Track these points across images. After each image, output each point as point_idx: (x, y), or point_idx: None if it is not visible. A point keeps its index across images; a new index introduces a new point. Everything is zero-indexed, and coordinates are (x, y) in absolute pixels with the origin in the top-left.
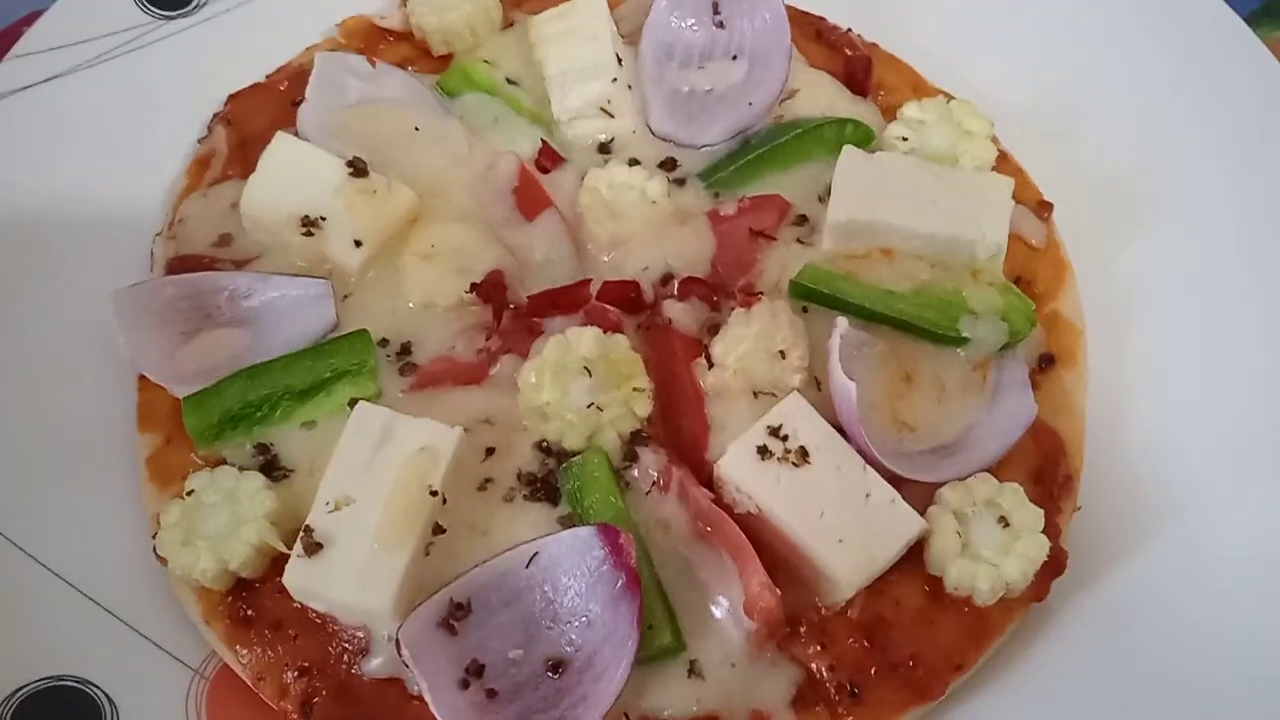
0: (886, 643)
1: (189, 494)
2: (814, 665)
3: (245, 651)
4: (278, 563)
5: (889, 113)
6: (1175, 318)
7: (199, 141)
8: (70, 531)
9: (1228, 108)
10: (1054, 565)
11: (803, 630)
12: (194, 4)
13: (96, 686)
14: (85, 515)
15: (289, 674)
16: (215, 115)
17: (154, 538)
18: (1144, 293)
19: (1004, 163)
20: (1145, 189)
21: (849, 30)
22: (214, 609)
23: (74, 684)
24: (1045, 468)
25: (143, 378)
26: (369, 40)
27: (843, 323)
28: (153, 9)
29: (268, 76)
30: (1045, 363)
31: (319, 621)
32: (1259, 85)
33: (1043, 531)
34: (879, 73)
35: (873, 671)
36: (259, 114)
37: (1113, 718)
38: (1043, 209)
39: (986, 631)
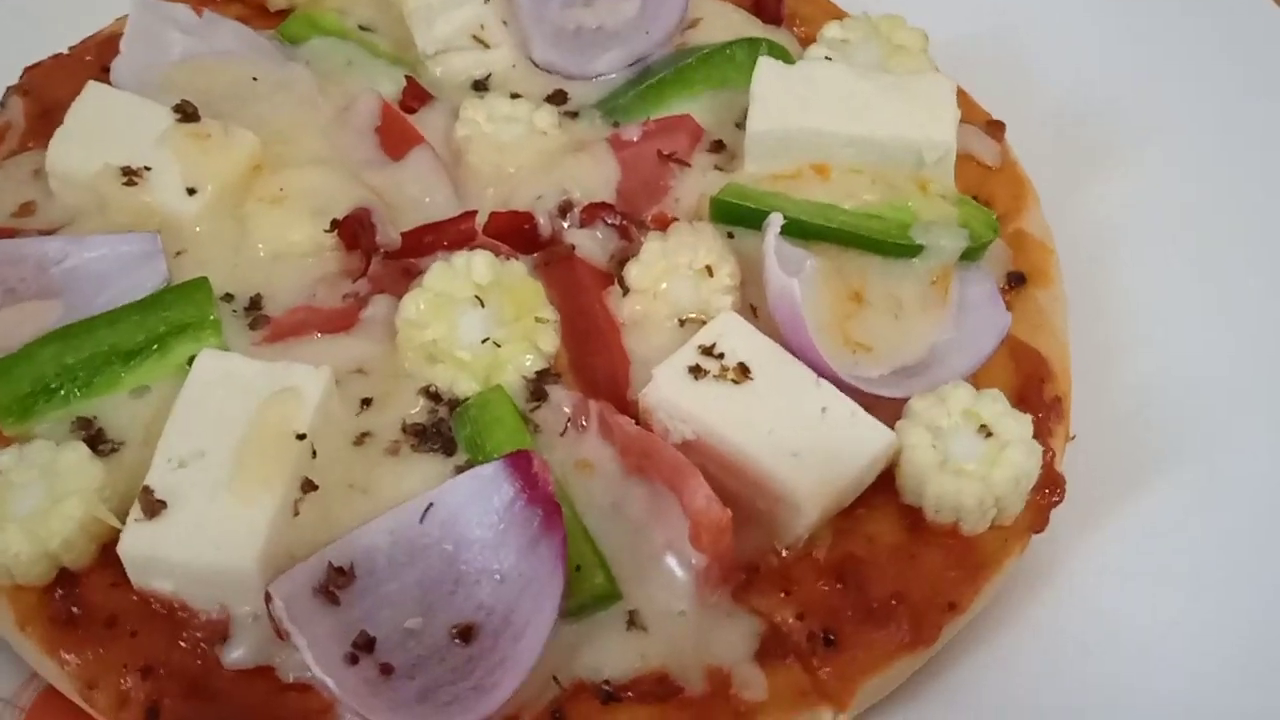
0: (862, 582)
1: None
2: (778, 615)
3: (71, 657)
4: (108, 550)
5: (807, 41)
6: (1153, 246)
7: None
8: None
9: (1190, 30)
10: (1051, 490)
11: (760, 577)
12: None
13: None
14: None
15: (128, 678)
16: (7, 89)
17: None
18: (1116, 222)
19: None
20: (1108, 113)
21: None
22: (30, 611)
23: None
24: (1028, 388)
25: None
26: (194, 2)
27: (776, 218)
28: None
29: (70, 49)
30: (1015, 281)
31: (164, 611)
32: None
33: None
34: (792, 5)
35: (849, 614)
36: (62, 84)
37: (1129, 672)
38: (994, 128)
39: (980, 565)
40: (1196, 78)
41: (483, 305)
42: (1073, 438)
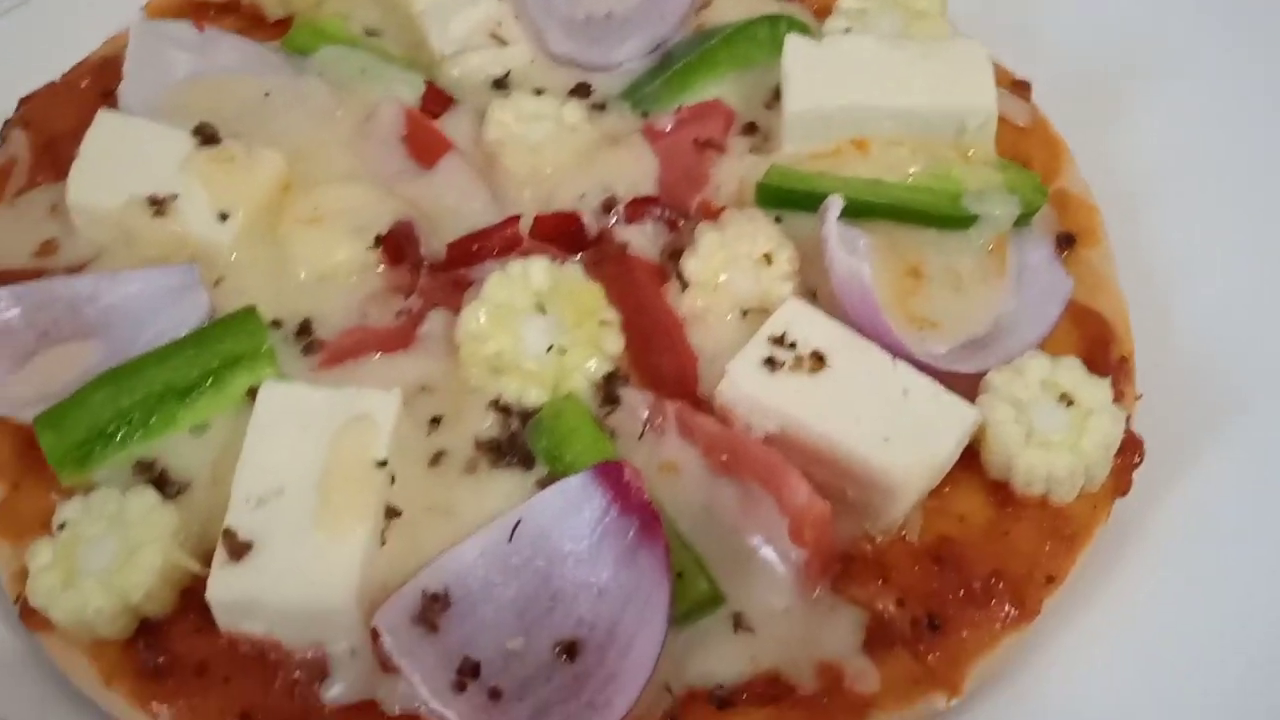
0: (959, 563)
1: (61, 528)
2: (879, 604)
3: (164, 708)
4: (189, 595)
5: (821, 14)
6: (1188, 193)
7: None
8: None
9: None
10: (1132, 452)
11: (856, 566)
12: None
13: None
14: None
15: None
16: (5, 122)
17: (16, 601)
18: (1146, 172)
19: None
20: (1128, 64)
21: None
22: (115, 667)
23: None
24: (1094, 352)
25: None
26: (184, 17)
27: (835, 201)
28: None
29: (63, 76)
30: (1065, 243)
31: (255, 654)
32: None
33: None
34: None
35: (950, 597)
36: (62, 113)
37: (1220, 629)
38: (1020, 89)
39: (1074, 535)
40: (1206, 15)
41: (544, 312)
42: (1139, 396)
